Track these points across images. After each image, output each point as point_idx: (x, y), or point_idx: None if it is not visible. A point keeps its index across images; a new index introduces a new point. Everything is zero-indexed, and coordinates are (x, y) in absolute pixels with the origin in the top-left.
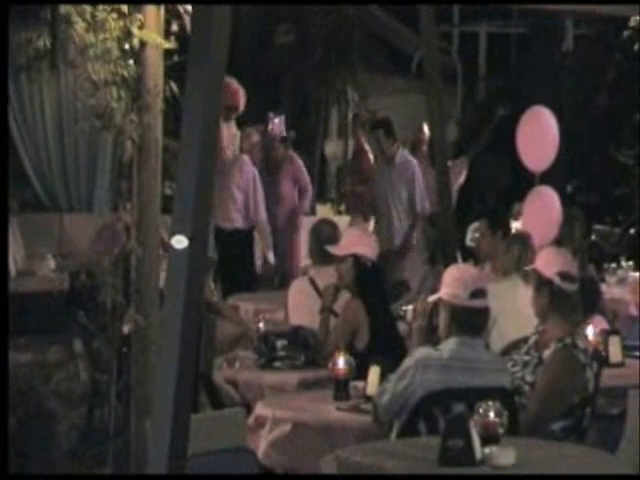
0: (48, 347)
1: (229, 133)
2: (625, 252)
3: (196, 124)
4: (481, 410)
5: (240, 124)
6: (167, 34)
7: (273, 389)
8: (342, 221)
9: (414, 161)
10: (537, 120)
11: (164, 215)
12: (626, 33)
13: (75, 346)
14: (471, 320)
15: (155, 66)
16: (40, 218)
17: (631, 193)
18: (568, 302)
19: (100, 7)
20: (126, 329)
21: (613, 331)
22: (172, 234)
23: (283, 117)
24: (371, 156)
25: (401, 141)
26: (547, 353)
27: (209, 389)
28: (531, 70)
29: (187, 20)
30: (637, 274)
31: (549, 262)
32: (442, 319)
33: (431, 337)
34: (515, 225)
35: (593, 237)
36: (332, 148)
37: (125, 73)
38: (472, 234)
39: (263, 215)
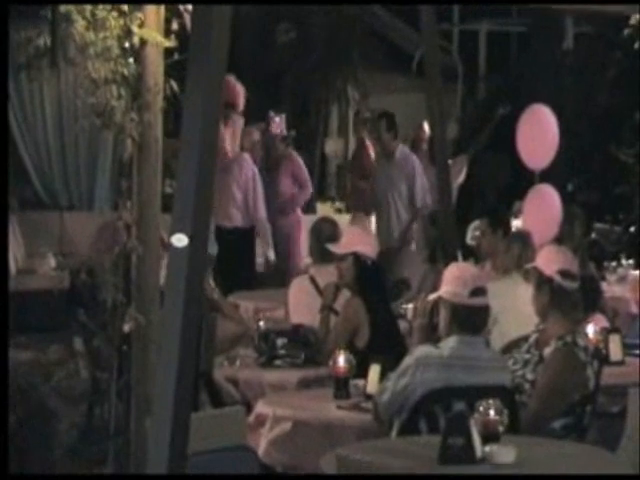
0: (48, 345)
1: (233, 131)
2: (625, 250)
3: (196, 123)
4: (481, 408)
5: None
6: (167, 32)
7: (273, 387)
8: (342, 219)
9: (414, 156)
10: (537, 118)
11: (164, 214)
12: (626, 31)
13: (75, 344)
14: (471, 318)
15: (155, 64)
16: (40, 216)
17: (631, 191)
18: (569, 300)
19: (100, 5)
20: (127, 328)
21: (613, 329)
22: (172, 232)
23: (284, 116)
24: (372, 153)
25: (401, 139)
26: (548, 351)
27: (209, 387)
28: (531, 68)
29: (187, 18)
30: (637, 272)
31: (549, 260)
32: (442, 317)
33: (431, 335)
34: (515, 223)
35: (593, 235)
36: (332, 146)
37: (125, 71)
38: (472, 232)
39: (263, 213)
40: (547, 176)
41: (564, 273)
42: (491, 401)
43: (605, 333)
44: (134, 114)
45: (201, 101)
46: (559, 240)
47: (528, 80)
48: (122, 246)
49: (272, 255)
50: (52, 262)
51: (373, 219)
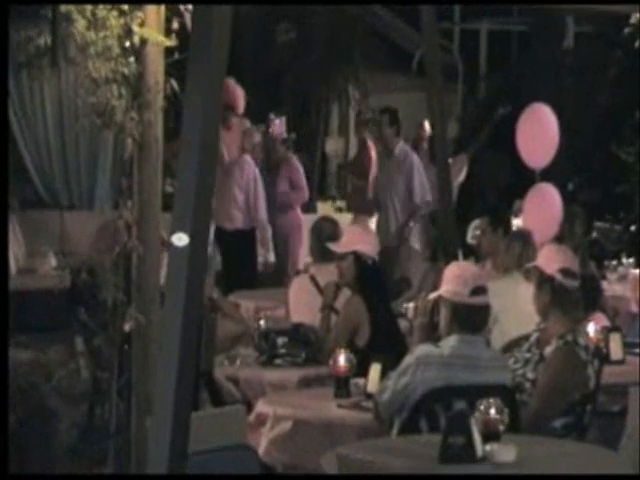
0: (49, 345)
1: (233, 133)
2: (626, 249)
3: (196, 122)
4: (482, 407)
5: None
6: (168, 32)
7: (274, 386)
8: (343, 218)
9: (414, 154)
10: (537, 118)
11: (165, 213)
12: (627, 30)
13: (76, 344)
14: (472, 317)
15: (156, 64)
16: (41, 216)
17: (632, 190)
18: (569, 299)
19: (101, 5)
20: (127, 327)
21: (614, 328)
22: (172, 232)
23: (284, 119)
24: (374, 154)
25: (402, 138)
26: (548, 350)
27: (210, 386)
28: (532, 68)
29: (188, 18)
30: (638, 271)
31: (550, 259)
32: (443, 316)
33: (432, 334)
34: (516, 222)
35: (594, 234)
36: (333, 146)
37: (126, 71)
38: (473, 231)
39: (264, 215)
40: (548, 175)
41: (565, 272)
42: (492, 400)
43: (606, 332)
44: (134, 113)
45: (201, 100)
46: (559, 239)
47: (529, 79)
48: (122, 245)
49: (272, 257)
50: (53, 261)
51: (374, 220)
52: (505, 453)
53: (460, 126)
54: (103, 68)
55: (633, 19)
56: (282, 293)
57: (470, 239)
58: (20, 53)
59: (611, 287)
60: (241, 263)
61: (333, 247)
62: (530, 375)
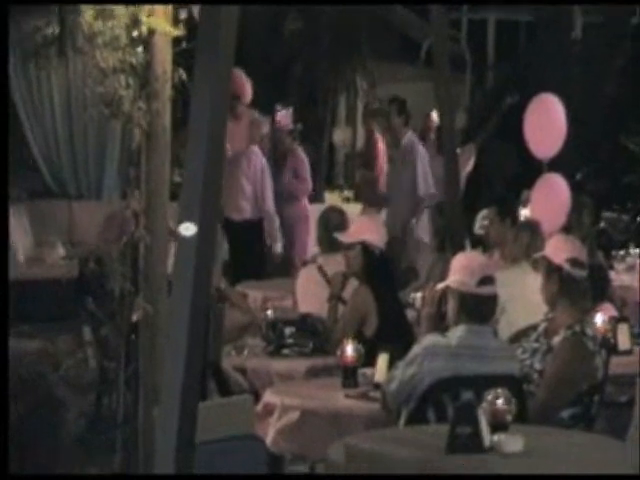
0: (56, 334)
1: (240, 123)
2: (634, 239)
3: (204, 111)
4: (490, 397)
5: None
6: (175, 21)
7: (281, 376)
8: (350, 208)
9: (420, 145)
10: (545, 108)
11: (173, 202)
12: (634, 20)
13: (84, 333)
14: (479, 307)
15: (163, 53)
16: (49, 206)
17: (639, 180)
18: (577, 289)
19: None
20: (135, 317)
21: (622, 318)
22: (180, 221)
23: (290, 110)
24: (381, 144)
25: (410, 128)
26: (556, 340)
27: (217, 376)
28: (540, 58)
29: (195, 7)
30: None
31: (558, 249)
32: (450, 306)
33: (440, 324)
34: (524, 212)
35: (602, 224)
36: (340, 136)
37: (133, 60)
38: (481, 222)
39: (271, 206)
40: (555, 165)
41: (573, 262)
42: (499, 390)
43: (613, 322)
44: (142, 103)
45: (209, 90)
46: (567, 229)
47: (536, 69)
48: (130, 235)
49: (279, 248)
50: (61, 251)
51: (384, 213)
52: (513, 443)
53: (468, 116)
54: (111, 58)
55: None
56: (289, 283)
57: (478, 229)
58: (28, 43)
59: (619, 277)
60: (249, 253)
61: (340, 237)
62: (538, 365)
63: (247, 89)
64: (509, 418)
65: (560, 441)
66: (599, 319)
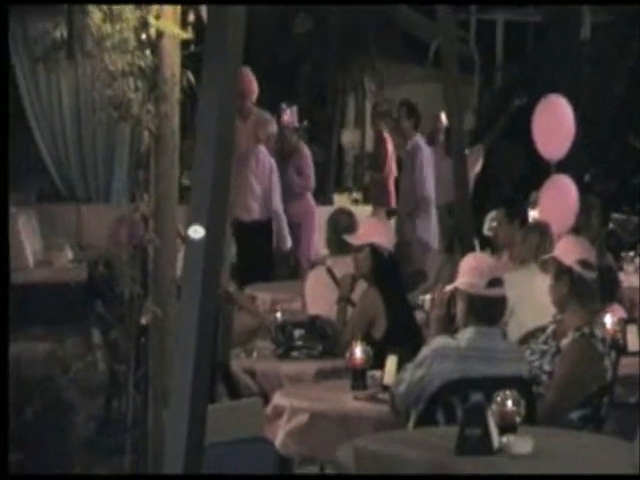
0: (66, 337)
1: (246, 122)
2: None
3: (212, 114)
4: (499, 399)
5: None
6: (184, 24)
7: (291, 379)
8: (359, 210)
9: (425, 148)
10: (553, 109)
11: (182, 205)
12: None
13: (93, 337)
14: (488, 309)
15: (172, 56)
16: (58, 209)
17: None
18: (587, 290)
19: None
20: (144, 320)
21: (631, 319)
22: (189, 224)
23: (295, 108)
24: (390, 145)
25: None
26: (565, 342)
27: (227, 379)
28: (548, 58)
29: (204, 10)
30: None
31: (568, 250)
32: (459, 308)
33: (448, 326)
34: (532, 214)
35: (611, 225)
36: (349, 138)
37: (142, 63)
38: (489, 223)
39: (279, 205)
40: (564, 166)
41: (583, 263)
42: (508, 392)
43: (623, 323)
44: (151, 106)
45: (217, 93)
46: (576, 230)
47: (545, 70)
48: (139, 238)
49: (287, 246)
50: (69, 254)
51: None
52: (522, 445)
53: (476, 117)
54: (119, 61)
55: None
56: (298, 285)
57: (486, 231)
58: (37, 47)
59: (628, 278)
60: (257, 255)
61: (349, 239)
62: (547, 367)
63: (253, 86)
64: (518, 420)
65: (569, 443)
66: (608, 320)
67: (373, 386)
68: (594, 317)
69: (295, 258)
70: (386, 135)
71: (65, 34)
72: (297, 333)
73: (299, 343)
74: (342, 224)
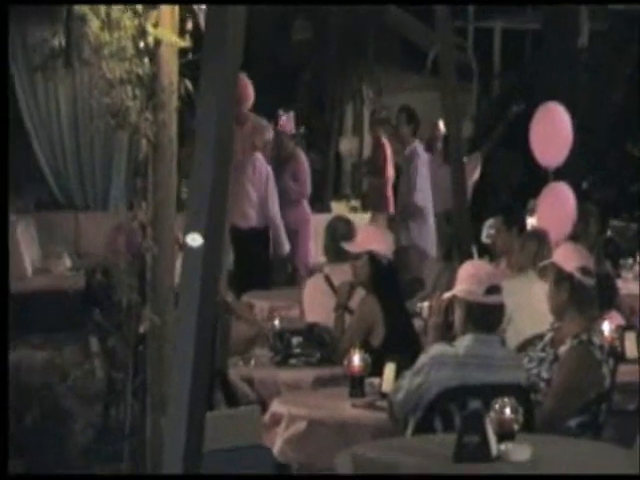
0: (64, 345)
1: (247, 129)
2: None
3: (211, 122)
4: (497, 407)
5: None
6: (182, 32)
7: (288, 386)
8: (357, 218)
9: (422, 154)
10: (550, 116)
11: (180, 213)
12: None
13: (91, 344)
14: (486, 316)
15: (170, 64)
16: (56, 217)
17: None
18: (587, 297)
19: (115, 5)
20: (142, 328)
21: (629, 327)
22: (187, 232)
23: (292, 114)
24: (389, 151)
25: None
26: (563, 349)
27: (224, 387)
28: (546, 66)
29: (201, 18)
30: None
31: (568, 257)
32: (457, 316)
33: (447, 334)
34: (530, 221)
35: (609, 233)
36: (347, 145)
37: (140, 71)
38: (488, 230)
39: (277, 212)
40: (562, 174)
41: (583, 270)
42: (506, 399)
43: (621, 331)
44: (149, 114)
45: (215, 100)
46: (574, 238)
47: (543, 77)
48: (137, 247)
49: (285, 249)
50: (67, 262)
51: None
52: (520, 452)
53: (474, 125)
54: (117, 69)
55: None
56: (296, 293)
57: (485, 238)
58: (35, 54)
59: (626, 285)
60: (254, 261)
61: (347, 247)
62: (545, 374)
63: (249, 93)
64: (516, 427)
65: (567, 450)
66: (606, 327)
67: (371, 394)
68: (592, 324)
69: (292, 265)
70: (384, 141)
71: (63, 42)
72: (295, 341)
73: (297, 351)
74: (340, 231)
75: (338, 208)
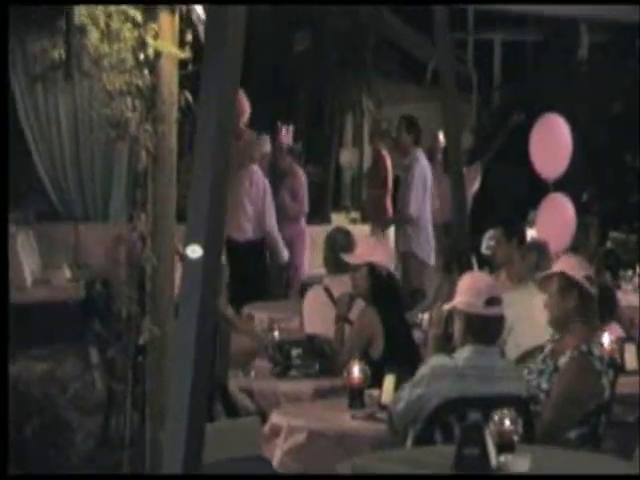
0: (64, 356)
1: (239, 142)
2: None
3: (210, 133)
4: (496, 418)
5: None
6: (181, 44)
7: (288, 398)
8: (357, 229)
9: (422, 161)
10: (550, 128)
11: (180, 225)
12: None
13: (91, 356)
14: (486, 328)
15: (170, 76)
16: (56, 228)
17: None
18: (593, 306)
19: (115, 17)
20: (142, 340)
21: (629, 338)
22: (186, 244)
23: (291, 127)
24: (389, 163)
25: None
26: (563, 361)
27: (224, 398)
28: (546, 78)
29: (201, 29)
30: None
31: (572, 267)
32: (457, 327)
33: (446, 345)
34: (531, 233)
35: (609, 244)
36: (347, 157)
37: (140, 83)
38: (487, 242)
39: (274, 225)
40: (562, 185)
41: (588, 279)
42: (506, 411)
43: (621, 342)
44: (149, 125)
45: (215, 112)
46: (574, 249)
47: (543, 89)
48: (137, 258)
49: (285, 257)
50: (67, 273)
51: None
52: (520, 464)
53: (474, 137)
54: (117, 80)
55: None
56: (295, 304)
57: (485, 249)
58: (35, 66)
59: (626, 297)
60: (250, 273)
61: (347, 258)
62: (544, 386)
63: (245, 107)
64: (516, 439)
65: (567, 462)
66: (606, 339)
67: (371, 405)
68: (592, 336)
69: (287, 278)
70: (384, 154)
71: (63, 54)
72: (295, 352)
73: (297, 362)
74: (340, 243)
75: (338, 220)
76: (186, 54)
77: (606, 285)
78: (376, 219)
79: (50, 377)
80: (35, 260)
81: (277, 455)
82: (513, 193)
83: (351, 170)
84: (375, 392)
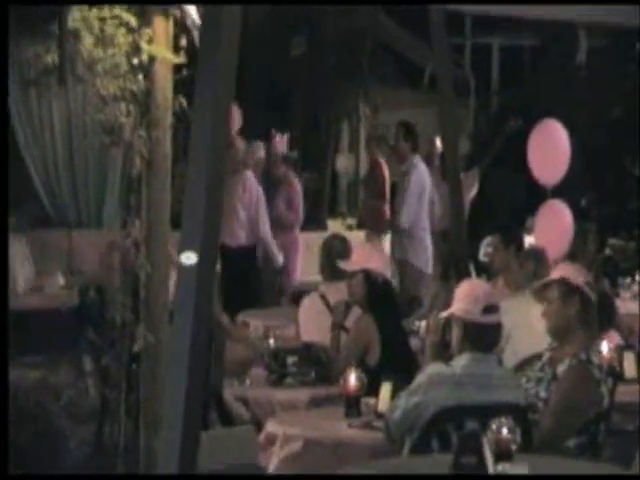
0: (57, 364)
1: (232, 151)
2: None
3: (205, 138)
4: (494, 427)
5: (247, 139)
6: (176, 49)
7: (284, 406)
8: (353, 236)
9: (420, 167)
10: (548, 134)
11: (175, 231)
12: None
13: (84, 363)
14: (483, 336)
15: (164, 81)
16: (49, 234)
17: None
18: (593, 312)
19: (109, 21)
20: (136, 347)
21: (628, 346)
22: (181, 250)
23: (285, 135)
24: (386, 170)
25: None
26: (561, 369)
27: (219, 406)
28: (544, 83)
29: (195, 34)
30: None
31: (572, 273)
32: (454, 335)
33: (444, 353)
34: (529, 240)
35: (608, 251)
36: (343, 163)
37: (134, 88)
38: (485, 249)
39: (267, 232)
40: (560, 191)
41: (589, 285)
42: (504, 419)
43: (619, 350)
44: (143, 131)
45: (209, 116)
46: (572, 256)
47: (541, 94)
48: (131, 264)
49: (279, 261)
50: (60, 280)
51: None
52: (517, 472)
53: (472, 142)
54: (111, 85)
55: None
56: (291, 312)
57: (482, 256)
58: (29, 71)
59: (625, 305)
60: (243, 280)
61: (343, 265)
62: (543, 394)
63: (235, 117)
64: (514, 447)
65: (566, 470)
66: (605, 347)
67: (367, 413)
68: (591, 344)
69: (279, 284)
70: (381, 161)
71: (56, 59)
72: (290, 360)
73: (292, 370)
74: (336, 250)
75: (334, 226)
76: (180, 59)
77: (605, 292)
78: (374, 228)
79: (43, 385)
80: (28, 267)
81: (273, 464)
82: (511, 199)
83: (347, 176)
84: (372, 400)
